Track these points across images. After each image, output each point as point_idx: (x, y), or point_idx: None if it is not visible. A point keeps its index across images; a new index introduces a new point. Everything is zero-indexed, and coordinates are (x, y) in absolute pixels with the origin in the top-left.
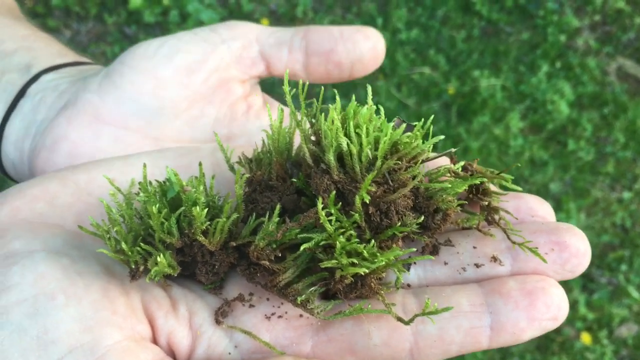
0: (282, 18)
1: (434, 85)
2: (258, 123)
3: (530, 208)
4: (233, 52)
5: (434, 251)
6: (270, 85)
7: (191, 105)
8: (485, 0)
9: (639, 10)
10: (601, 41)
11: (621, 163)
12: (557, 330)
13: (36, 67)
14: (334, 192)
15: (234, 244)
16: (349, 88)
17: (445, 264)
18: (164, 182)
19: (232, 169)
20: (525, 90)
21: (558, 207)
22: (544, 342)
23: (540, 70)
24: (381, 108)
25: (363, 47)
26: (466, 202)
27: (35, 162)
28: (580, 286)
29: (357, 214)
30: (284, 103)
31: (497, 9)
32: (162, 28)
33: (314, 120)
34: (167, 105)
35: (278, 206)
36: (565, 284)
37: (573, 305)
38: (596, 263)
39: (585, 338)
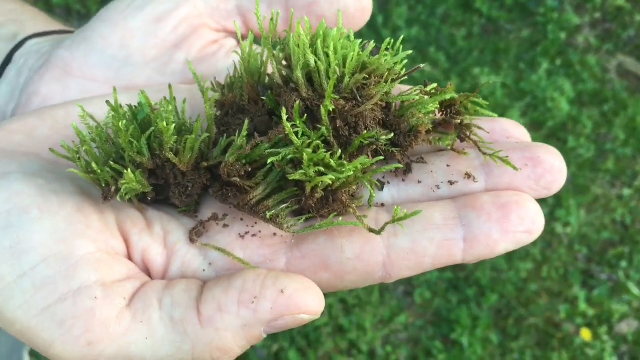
0: None
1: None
2: (229, 62)
3: (505, 130)
4: (209, 3)
5: (407, 169)
6: None
7: (161, 53)
8: None
9: (639, 7)
10: (601, 38)
11: (621, 160)
12: (557, 327)
13: (22, 35)
14: (299, 102)
15: (206, 164)
16: None
17: (419, 182)
18: (135, 106)
19: (203, 92)
20: (526, 87)
21: (558, 203)
22: (544, 338)
23: (541, 68)
24: (351, 31)
25: None
26: (437, 117)
27: None
28: (580, 282)
29: (324, 127)
30: None
31: (497, 7)
32: None
33: (284, 45)
34: (135, 54)
35: (247, 121)
36: (566, 280)
37: (573, 301)
38: (596, 260)
39: (585, 334)
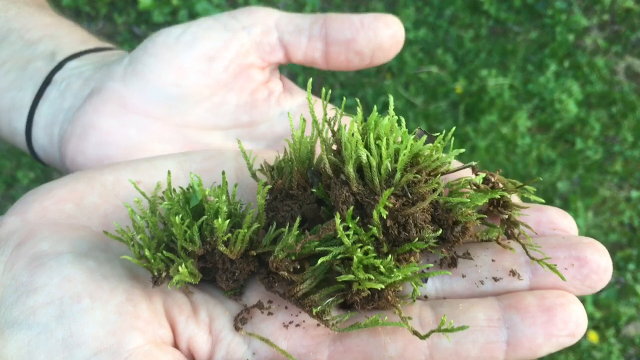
0: None
1: (442, 85)
2: (279, 109)
3: (551, 221)
4: (253, 38)
5: (452, 263)
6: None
7: (213, 93)
8: (494, 0)
9: None
10: (610, 40)
11: (629, 162)
12: None
13: (60, 54)
14: (352, 207)
15: (254, 253)
16: (357, 87)
17: (463, 276)
18: (188, 189)
19: (254, 176)
20: (533, 89)
21: (566, 206)
22: None
23: (549, 70)
24: (402, 119)
25: (383, 34)
26: (486, 216)
27: (65, 149)
28: None
29: (374, 228)
30: (304, 87)
31: (505, 8)
32: None
33: (335, 129)
34: (189, 93)
35: (298, 219)
36: None
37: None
38: None
39: (593, 337)
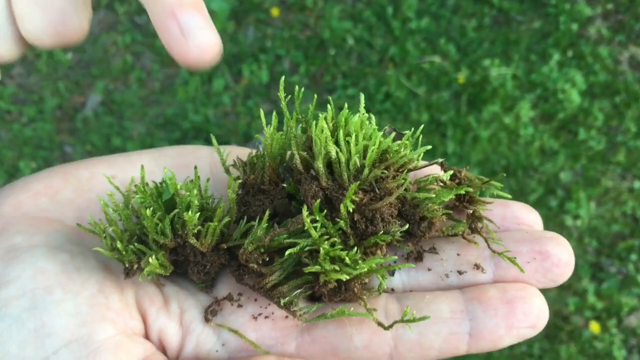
0: (292, 7)
1: (444, 74)
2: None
3: (516, 216)
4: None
5: (419, 257)
6: (294, 68)
7: None
8: None
9: None
10: (613, 30)
11: (632, 152)
12: (566, 319)
13: None
14: (319, 199)
15: (225, 246)
16: (359, 77)
17: (429, 270)
18: (161, 183)
19: (227, 171)
20: (536, 79)
21: (568, 196)
22: (553, 331)
23: (552, 59)
24: (372, 117)
25: None
26: (452, 212)
27: None
28: (589, 275)
29: (342, 221)
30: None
31: None
32: None
33: (306, 126)
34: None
35: (267, 212)
36: (575, 273)
37: (582, 294)
38: (606, 252)
39: (594, 327)
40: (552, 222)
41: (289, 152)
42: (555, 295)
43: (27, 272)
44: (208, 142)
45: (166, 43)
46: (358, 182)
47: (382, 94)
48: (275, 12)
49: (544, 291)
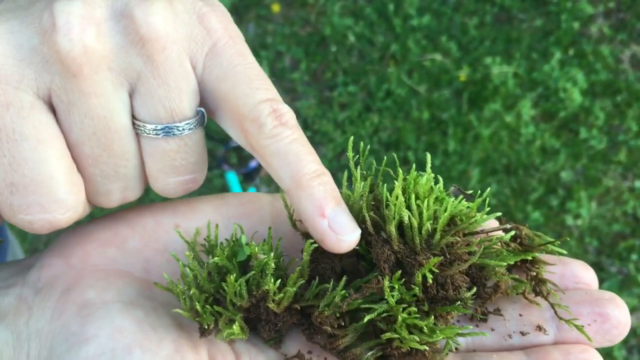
0: (294, 4)
1: (445, 72)
2: None
3: (575, 275)
4: None
5: (483, 319)
6: (295, 64)
7: None
8: None
9: None
10: (615, 28)
11: (633, 152)
12: None
13: None
14: (400, 271)
15: (298, 307)
16: (360, 75)
17: (492, 330)
18: (233, 241)
19: (294, 226)
20: (538, 77)
21: (569, 195)
22: None
23: (553, 58)
24: (440, 178)
25: None
26: (517, 276)
27: None
28: None
29: (417, 288)
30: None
31: None
32: None
33: (372, 186)
34: None
35: (344, 279)
36: None
37: None
38: (606, 252)
39: None
40: (553, 221)
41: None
42: None
43: (105, 331)
44: (208, 139)
45: (318, 237)
46: (441, 257)
47: (383, 92)
48: (276, 8)
49: None
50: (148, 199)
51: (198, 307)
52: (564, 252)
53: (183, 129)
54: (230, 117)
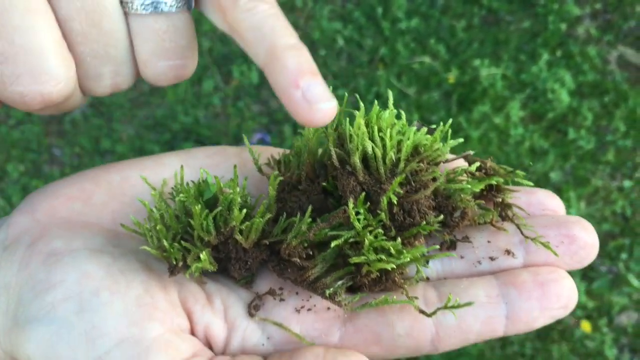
0: (282, 8)
1: (434, 75)
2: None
3: (541, 202)
4: None
5: (452, 247)
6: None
7: None
8: None
9: None
10: (602, 29)
11: (621, 152)
12: (558, 319)
13: None
14: (363, 194)
15: (267, 242)
16: (349, 78)
17: (462, 257)
18: (200, 183)
19: (260, 170)
20: (526, 79)
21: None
22: (544, 331)
23: (541, 59)
24: (402, 112)
25: None
26: (483, 202)
27: None
28: (580, 275)
29: (383, 213)
30: None
31: None
32: None
33: (336, 124)
34: None
35: (310, 207)
36: None
37: None
38: None
39: (585, 326)
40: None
41: (319, 150)
42: None
43: (72, 276)
44: (197, 144)
45: (291, 110)
46: (403, 176)
47: (373, 95)
48: None
49: None
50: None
51: (165, 244)
52: (530, 183)
53: (171, 6)
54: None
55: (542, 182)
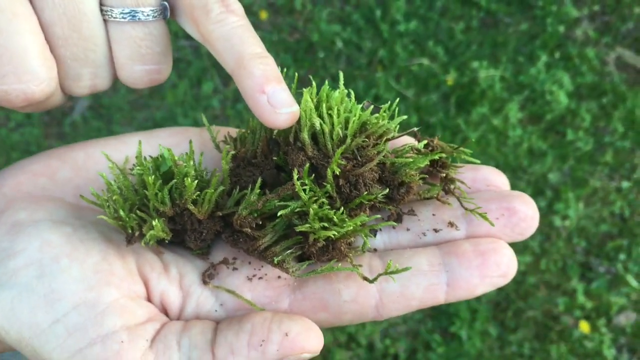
0: (281, 10)
1: (433, 77)
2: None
3: (485, 178)
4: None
5: (398, 219)
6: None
7: None
8: None
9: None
10: (600, 31)
11: (620, 153)
12: (556, 319)
13: None
14: (308, 164)
15: (220, 214)
16: (348, 80)
17: (408, 230)
18: (157, 157)
19: (217, 147)
20: (524, 80)
21: (557, 197)
22: (543, 331)
23: (539, 61)
24: (352, 92)
25: None
26: (427, 176)
27: None
28: (578, 275)
29: (328, 185)
30: None
31: (496, 0)
32: None
33: None
34: None
35: (259, 179)
36: (564, 273)
37: (571, 294)
38: (594, 252)
39: (584, 326)
40: (541, 222)
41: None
42: (544, 295)
43: (33, 244)
44: None
45: (257, 113)
46: (343, 147)
47: (371, 97)
48: (263, 15)
49: (535, 291)
50: None
51: (122, 213)
52: (477, 161)
53: (148, 15)
54: (184, 11)
55: (540, 183)
